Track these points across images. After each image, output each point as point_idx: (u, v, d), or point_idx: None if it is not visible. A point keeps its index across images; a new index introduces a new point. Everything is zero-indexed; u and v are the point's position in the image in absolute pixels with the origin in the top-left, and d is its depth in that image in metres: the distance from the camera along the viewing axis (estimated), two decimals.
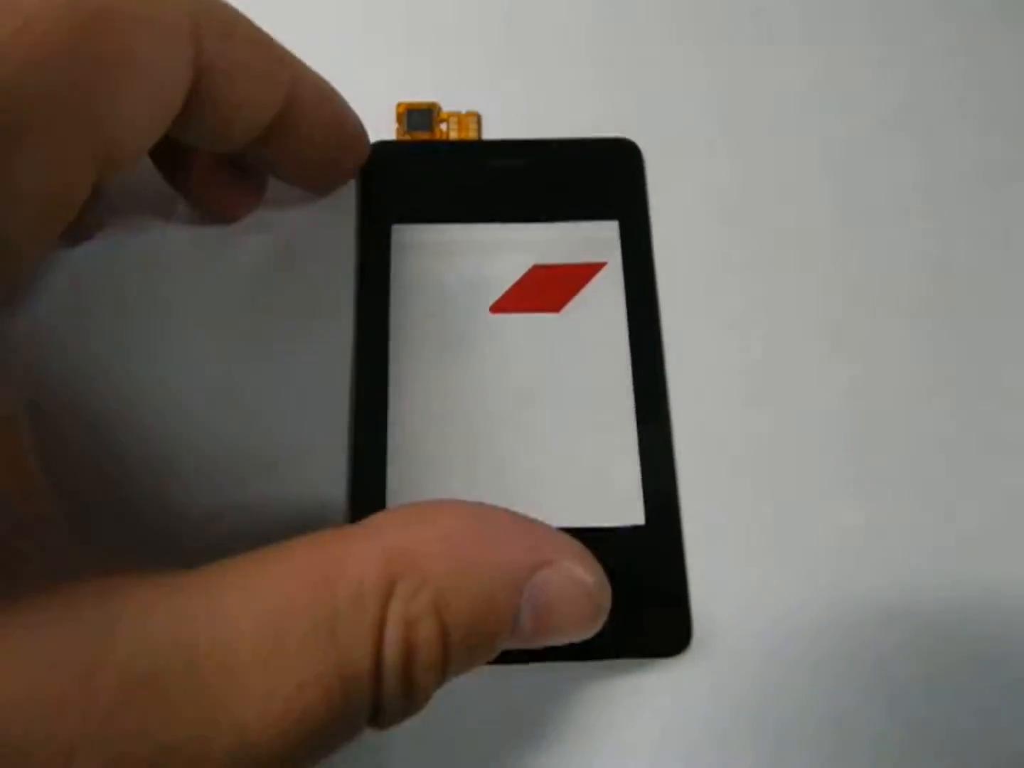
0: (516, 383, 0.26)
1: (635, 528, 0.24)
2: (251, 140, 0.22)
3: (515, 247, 0.26)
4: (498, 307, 0.26)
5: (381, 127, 0.27)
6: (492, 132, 0.28)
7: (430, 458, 0.24)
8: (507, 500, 0.19)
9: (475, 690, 0.23)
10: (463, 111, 0.28)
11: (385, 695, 0.15)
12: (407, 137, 0.27)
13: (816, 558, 0.24)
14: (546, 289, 0.26)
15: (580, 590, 0.18)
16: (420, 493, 0.24)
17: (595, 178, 0.27)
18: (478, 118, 0.28)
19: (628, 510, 0.24)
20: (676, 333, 0.26)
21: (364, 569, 0.15)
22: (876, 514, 0.25)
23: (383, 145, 0.27)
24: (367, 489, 0.24)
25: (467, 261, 0.26)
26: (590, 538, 0.24)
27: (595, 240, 0.26)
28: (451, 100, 0.28)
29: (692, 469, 0.25)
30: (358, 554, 0.16)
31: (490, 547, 0.17)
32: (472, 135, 0.27)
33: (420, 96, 0.28)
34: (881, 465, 0.25)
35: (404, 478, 0.24)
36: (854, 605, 0.24)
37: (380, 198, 0.26)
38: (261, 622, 0.14)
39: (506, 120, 0.28)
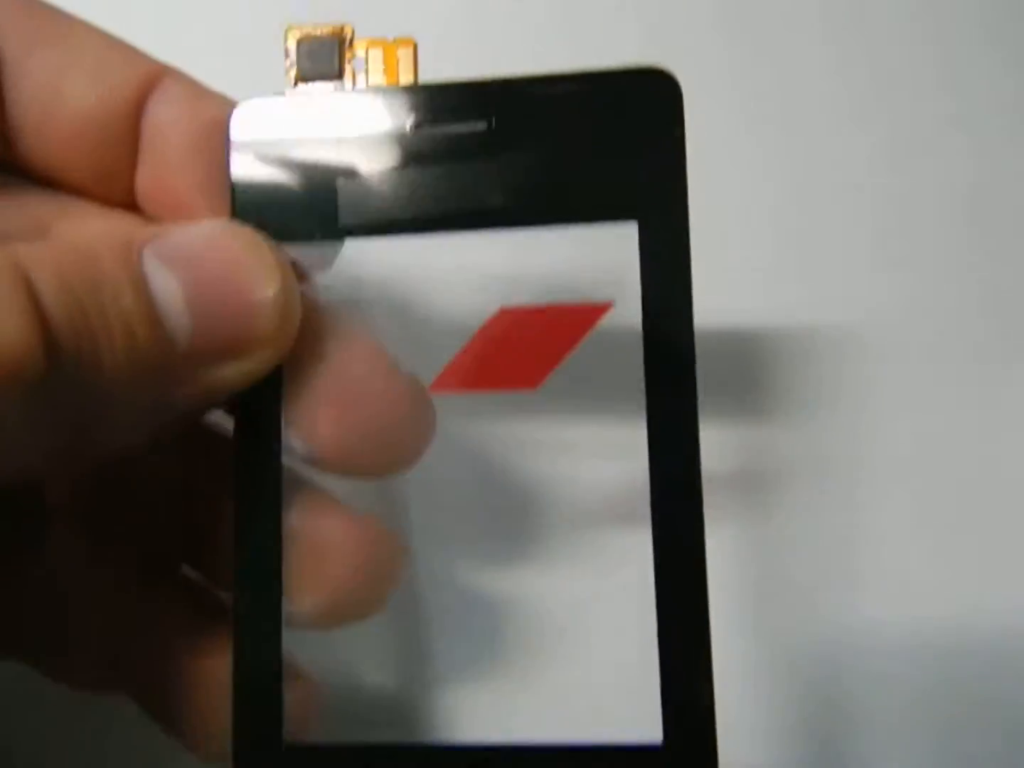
0: (473, 507, 0.17)
1: (648, 751, 0.15)
2: None
3: (470, 277, 0.17)
4: (443, 382, 0.16)
5: (264, 70, 0.17)
6: (434, 71, 0.17)
7: None
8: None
9: None
10: (389, 37, 0.17)
11: None
12: (300, 87, 0.17)
13: None
14: (518, 349, 0.16)
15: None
16: None
17: (602, 145, 0.16)
18: (414, 49, 0.17)
19: (638, 719, 0.15)
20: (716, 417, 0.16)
21: None
22: None
23: (256, 108, 0.17)
24: None
25: (393, 306, 0.17)
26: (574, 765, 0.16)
27: (598, 258, 0.16)
28: (372, 20, 0.17)
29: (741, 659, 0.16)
30: None
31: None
32: (405, 77, 0.17)
33: (324, 15, 0.17)
34: None
35: None
36: None
37: (252, 196, 0.16)
38: None
39: (458, 50, 0.17)
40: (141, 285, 0.14)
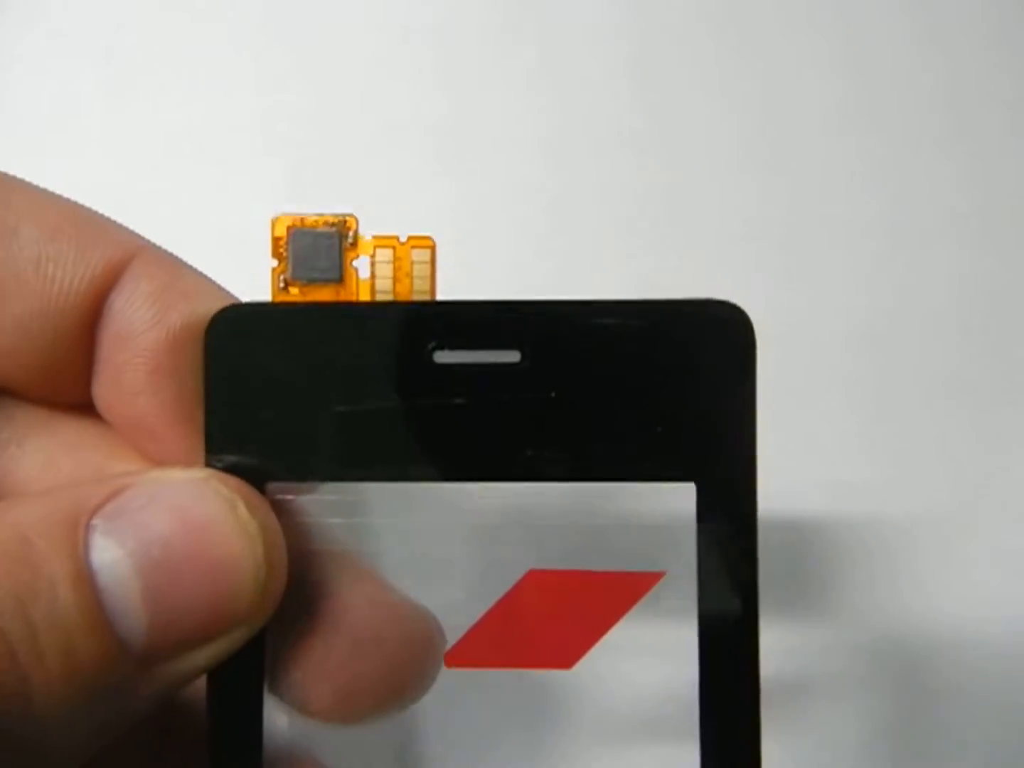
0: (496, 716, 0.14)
1: None
2: None
3: (495, 534, 0.14)
4: (458, 656, 0.14)
5: (243, 268, 0.14)
6: (457, 280, 0.14)
7: None
8: None
9: None
10: (402, 236, 0.14)
11: None
12: (290, 294, 0.14)
13: None
14: (549, 621, 0.14)
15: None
16: None
17: (657, 390, 0.14)
18: (432, 252, 0.14)
19: None
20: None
21: None
22: None
23: (238, 316, 0.14)
24: None
25: (401, 566, 0.14)
26: None
27: (648, 523, 0.14)
28: (378, 212, 0.14)
29: None
30: None
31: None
32: (422, 288, 0.14)
33: (318, 205, 0.14)
34: None
35: None
36: None
37: (232, 425, 0.14)
38: None
39: (482, 255, 0.15)
40: (84, 582, 0.11)
